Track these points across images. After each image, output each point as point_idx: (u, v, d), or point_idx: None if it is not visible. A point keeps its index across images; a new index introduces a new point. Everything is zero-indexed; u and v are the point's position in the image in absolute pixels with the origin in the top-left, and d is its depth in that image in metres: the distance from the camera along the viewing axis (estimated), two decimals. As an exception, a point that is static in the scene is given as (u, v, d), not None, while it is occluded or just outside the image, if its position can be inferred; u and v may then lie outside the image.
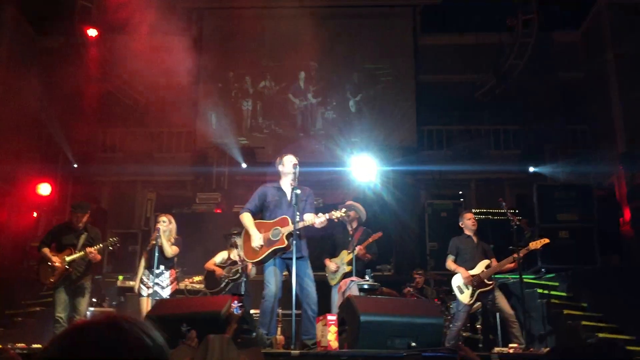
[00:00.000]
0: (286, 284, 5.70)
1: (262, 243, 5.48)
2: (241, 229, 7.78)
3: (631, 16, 12.80)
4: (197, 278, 8.16)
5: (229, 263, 7.62)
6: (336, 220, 5.71)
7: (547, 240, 6.78)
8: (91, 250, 6.64)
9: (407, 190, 13.49)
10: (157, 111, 13.73)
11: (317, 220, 5.48)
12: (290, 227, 5.44)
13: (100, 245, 6.77)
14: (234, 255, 7.65)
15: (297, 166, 5.73)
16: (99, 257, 6.81)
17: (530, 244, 6.79)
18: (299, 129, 14.22)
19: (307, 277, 5.58)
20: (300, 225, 5.48)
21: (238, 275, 7.39)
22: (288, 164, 5.76)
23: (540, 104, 12.99)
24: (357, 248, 7.08)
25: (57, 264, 6.67)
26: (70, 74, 12.67)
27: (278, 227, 5.50)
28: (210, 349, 2.30)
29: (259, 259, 5.52)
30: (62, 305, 6.72)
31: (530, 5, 13.18)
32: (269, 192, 5.79)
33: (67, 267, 6.66)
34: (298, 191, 5.52)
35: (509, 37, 13.75)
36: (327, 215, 5.53)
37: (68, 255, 6.70)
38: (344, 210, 5.61)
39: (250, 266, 7.45)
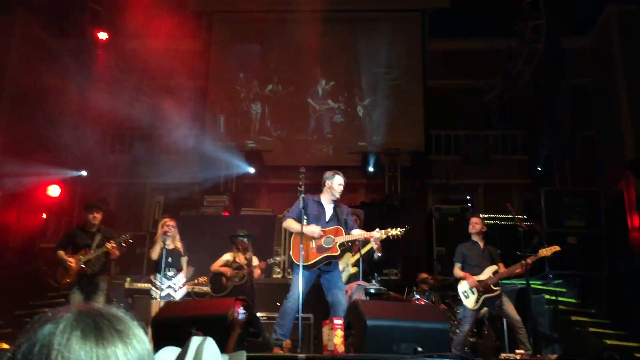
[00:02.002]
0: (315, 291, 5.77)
1: (321, 234, 5.58)
2: (247, 232, 7.87)
3: (640, 22, 12.76)
4: (202, 279, 8.18)
5: (235, 266, 7.64)
6: (392, 238, 5.82)
7: (557, 248, 6.77)
8: (110, 245, 6.66)
9: (414, 194, 13.51)
10: (166, 113, 13.78)
11: (375, 234, 5.65)
12: (343, 237, 5.61)
13: (116, 241, 6.80)
14: (240, 259, 7.67)
15: (343, 188, 5.91)
16: (117, 252, 6.84)
17: (541, 251, 6.77)
18: (311, 132, 14.25)
19: (342, 288, 5.75)
20: (353, 237, 5.69)
21: (245, 280, 7.43)
22: (336, 185, 5.87)
23: (549, 110, 12.93)
24: (373, 242, 7.03)
25: (72, 265, 6.74)
26: (80, 77, 12.76)
27: (331, 236, 5.60)
28: (189, 349, 2.30)
29: (311, 262, 5.59)
30: None
31: (539, 10, 13.15)
32: (310, 204, 5.85)
33: (82, 266, 6.72)
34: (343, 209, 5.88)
35: (518, 43, 13.72)
36: (382, 232, 5.68)
37: (83, 255, 6.77)
38: (399, 229, 5.68)
39: (258, 271, 7.48)
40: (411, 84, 14.34)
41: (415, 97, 14.27)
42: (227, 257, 7.77)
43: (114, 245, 6.68)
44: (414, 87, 14.34)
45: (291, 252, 5.77)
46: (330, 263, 5.68)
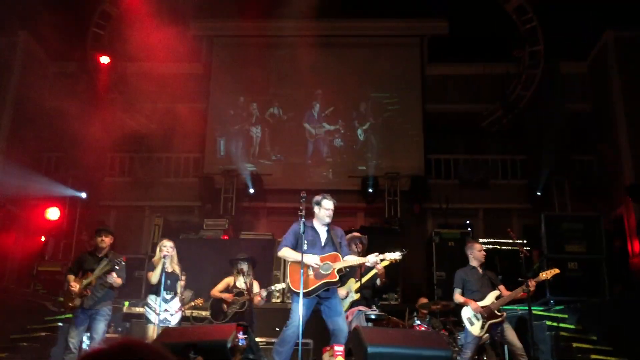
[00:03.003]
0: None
1: (319, 263, 5.53)
2: (248, 256, 7.82)
3: (638, 47, 12.89)
4: (198, 300, 8.09)
5: (235, 292, 7.57)
6: (389, 262, 5.79)
7: (557, 271, 6.74)
8: (111, 276, 6.63)
9: (414, 219, 13.49)
10: (166, 136, 13.84)
11: (371, 259, 5.61)
12: (341, 263, 5.57)
13: (117, 267, 6.74)
14: (240, 282, 7.60)
15: (332, 212, 5.87)
16: (119, 280, 6.79)
17: (541, 274, 6.74)
18: (309, 156, 14.28)
19: (342, 314, 5.70)
20: (350, 263, 5.65)
21: (245, 306, 7.36)
22: (325, 210, 5.84)
23: (547, 135, 13.01)
24: (378, 267, 7.00)
25: (74, 288, 6.72)
26: (81, 100, 12.82)
27: (329, 262, 5.57)
28: None
29: (309, 290, 5.54)
30: (75, 331, 6.74)
31: (537, 36, 13.30)
32: (305, 231, 5.80)
33: (83, 289, 6.70)
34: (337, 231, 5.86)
35: (516, 68, 13.85)
36: (381, 256, 5.63)
37: (85, 279, 6.75)
38: (398, 253, 5.65)
39: (258, 297, 7.42)
40: (410, 108, 14.42)
41: (415, 121, 14.34)
42: (228, 281, 7.71)
43: (106, 269, 6.63)
44: (414, 111, 14.41)
45: (289, 280, 5.73)
46: (329, 289, 5.63)
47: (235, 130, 14.48)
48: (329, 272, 5.53)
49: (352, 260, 5.69)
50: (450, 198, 12.98)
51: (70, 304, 6.75)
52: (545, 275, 6.72)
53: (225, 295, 7.50)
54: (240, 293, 7.49)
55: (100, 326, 6.80)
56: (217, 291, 7.62)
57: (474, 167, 13.97)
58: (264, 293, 7.46)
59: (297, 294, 5.54)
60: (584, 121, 13.86)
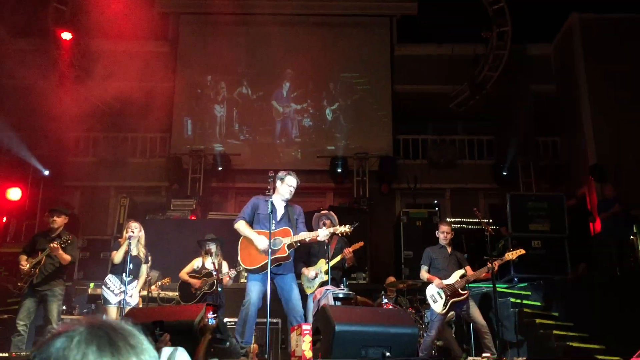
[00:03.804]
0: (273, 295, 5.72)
1: (266, 247, 5.48)
2: (216, 236, 7.77)
3: (602, 30, 13.09)
4: (165, 280, 8.04)
5: (203, 273, 7.52)
6: (340, 235, 5.80)
7: (523, 251, 6.88)
8: (54, 246, 6.49)
9: (383, 199, 13.57)
10: (132, 115, 13.57)
11: (321, 233, 5.63)
12: (291, 238, 5.56)
13: (60, 243, 6.61)
14: (209, 263, 7.55)
15: (294, 190, 5.84)
16: (66, 257, 6.66)
17: (507, 254, 6.87)
18: (277, 136, 14.19)
19: (293, 291, 5.67)
20: (300, 238, 5.60)
21: (214, 287, 7.32)
22: (287, 186, 5.82)
23: (514, 115, 13.18)
24: (346, 251, 7.07)
25: (23, 268, 6.59)
26: (43, 77, 12.47)
27: (279, 237, 5.54)
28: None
29: (258, 266, 5.51)
30: (24, 313, 6.61)
31: (505, 17, 13.39)
32: (261, 205, 5.80)
33: (31, 269, 6.57)
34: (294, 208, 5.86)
35: (484, 49, 13.94)
36: (331, 229, 5.69)
37: (34, 259, 6.63)
38: (348, 226, 5.66)
39: (227, 278, 7.38)
40: (379, 88, 14.42)
41: (384, 101, 14.35)
42: (196, 262, 7.65)
43: (55, 246, 6.49)
44: (382, 91, 14.41)
45: (239, 256, 5.73)
46: (280, 265, 5.63)
47: (203, 109, 14.29)
48: (279, 247, 5.53)
49: (302, 235, 5.68)
50: (418, 178, 13.08)
51: (19, 284, 6.62)
52: (511, 255, 6.86)
53: (193, 281, 7.45)
54: (208, 274, 7.45)
55: (54, 307, 6.69)
56: (185, 274, 7.55)
57: (442, 147, 14.10)
58: (232, 273, 7.43)
59: (249, 271, 5.61)
60: (549, 102, 14.07)
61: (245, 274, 9.80)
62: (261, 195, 5.89)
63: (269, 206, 5.59)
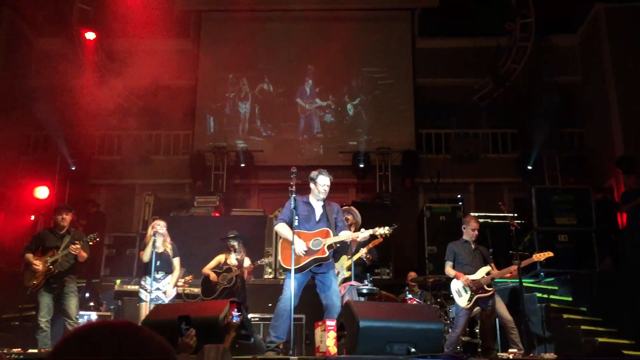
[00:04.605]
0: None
1: (306, 249, 5.52)
2: (238, 233, 7.84)
3: (628, 20, 12.82)
4: (188, 277, 8.16)
5: (224, 269, 7.59)
6: (380, 237, 5.79)
7: (550, 254, 6.80)
8: (75, 247, 6.62)
9: (405, 193, 13.50)
10: (155, 114, 13.70)
11: (360, 235, 5.68)
12: (331, 239, 5.59)
13: (82, 242, 6.75)
14: (231, 260, 7.63)
15: (328, 188, 5.85)
16: (84, 254, 6.80)
17: (535, 255, 6.80)
18: (300, 132, 14.19)
19: (332, 287, 5.68)
20: (340, 239, 5.64)
21: (233, 282, 7.39)
22: (321, 185, 5.82)
23: (538, 108, 12.98)
24: (362, 250, 7.07)
25: (38, 267, 6.69)
26: (68, 77, 12.64)
27: (319, 238, 5.59)
28: (205, 358, 2.28)
29: (299, 266, 5.55)
30: (45, 309, 6.72)
31: (528, 9, 13.19)
32: (299, 205, 5.80)
33: (49, 267, 6.67)
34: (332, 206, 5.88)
35: (507, 41, 13.76)
36: (370, 231, 5.70)
37: (50, 257, 6.73)
38: (387, 228, 5.67)
39: (246, 273, 7.45)
40: (401, 82, 14.32)
41: (406, 95, 14.26)
42: (219, 258, 7.76)
43: (78, 246, 6.63)
44: (404, 85, 14.31)
45: (280, 257, 5.77)
46: (321, 265, 5.64)
47: (225, 107, 14.35)
48: (319, 248, 5.55)
49: (342, 235, 5.69)
50: (441, 172, 12.98)
51: (34, 282, 6.72)
52: (538, 257, 6.79)
53: (212, 276, 7.56)
54: (228, 269, 7.53)
55: (72, 302, 6.82)
56: (208, 268, 7.66)
57: (465, 141, 13.95)
58: (252, 267, 7.49)
59: (288, 270, 5.57)
60: (575, 93, 13.83)
61: (270, 271, 9.93)
62: (299, 195, 5.86)
63: (292, 202, 5.59)
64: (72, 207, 7.43)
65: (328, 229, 5.66)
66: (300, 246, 5.51)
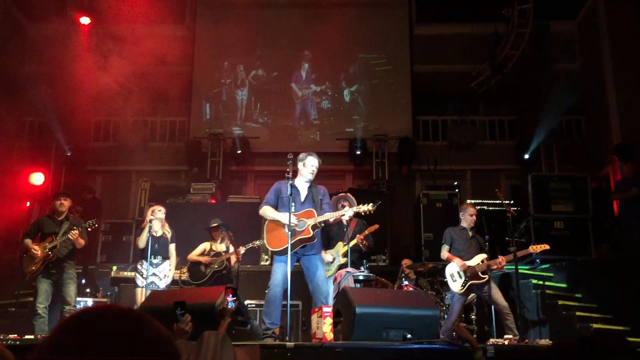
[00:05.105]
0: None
1: (297, 222, 5.53)
2: (221, 221, 7.83)
3: (627, 6, 12.75)
4: (184, 268, 8.16)
5: (212, 254, 7.62)
6: (363, 213, 5.84)
7: (547, 247, 6.81)
8: (73, 232, 6.62)
9: (402, 180, 13.49)
10: (151, 100, 13.62)
11: (346, 214, 5.70)
12: (315, 219, 5.61)
13: (81, 228, 6.77)
14: (217, 247, 7.64)
15: (316, 169, 5.87)
16: (81, 240, 6.82)
17: (531, 247, 6.84)
18: (297, 119, 14.14)
19: (318, 271, 5.69)
20: (324, 218, 5.65)
21: (224, 266, 7.42)
22: (309, 167, 5.85)
23: (536, 94, 12.95)
24: (357, 237, 7.11)
25: (37, 252, 6.70)
26: (63, 62, 12.54)
27: (303, 219, 5.59)
28: (204, 345, 2.26)
29: (283, 247, 5.55)
30: (43, 295, 6.74)
31: (527, -6, 13.11)
32: (283, 189, 5.82)
33: (48, 253, 6.68)
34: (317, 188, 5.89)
35: (505, 27, 13.68)
36: (354, 209, 5.75)
37: (49, 243, 6.73)
38: (371, 205, 5.69)
39: (233, 258, 7.46)
40: (398, 69, 14.25)
41: (403, 82, 14.20)
42: (204, 246, 7.76)
43: (76, 232, 6.63)
44: (401, 72, 14.25)
45: (265, 240, 5.78)
46: (305, 246, 5.65)
47: (221, 93, 14.28)
48: (304, 228, 5.56)
49: (327, 215, 5.70)
50: (438, 159, 12.97)
51: (32, 268, 6.74)
52: (534, 249, 6.82)
53: (202, 258, 7.56)
54: (217, 254, 7.56)
55: (71, 289, 6.85)
56: (194, 255, 7.66)
57: (462, 128, 13.92)
58: (241, 251, 7.48)
59: (275, 252, 5.64)
60: (573, 80, 13.79)
61: (266, 256, 9.93)
62: (283, 180, 5.87)
63: (289, 189, 5.58)
64: (70, 194, 7.42)
65: (313, 210, 5.67)
66: (291, 219, 5.49)
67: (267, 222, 5.85)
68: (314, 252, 5.77)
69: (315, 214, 5.64)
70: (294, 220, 5.53)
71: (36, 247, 6.76)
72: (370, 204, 5.74)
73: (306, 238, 5.60)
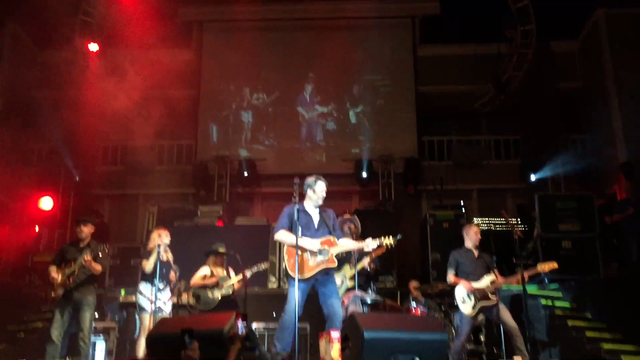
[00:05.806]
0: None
1: (320, 247, 5.58)
2: (225, 248, 7.74)
3: (628, 25, 12.86)
4: (189, 292, 8.08)
5: (219, 278, 7.57)
6: (387, 247, 5.86)
7: (555, 266, 6.75)
8: (86, 258, 6.64)
9: (408, 201, 13.50)
10: (158, 124, 13.73)
11: (369, 245, 5.66)
12: (339, 248, 5.63)
13: (93, 254, 6.77)
14: (219, 272, 7.58)
15: (325, 193, 5.87)
16: (97, 266, 6.82)
17: (539, 266, 6.76)
18: (303, 141, 14.22)
19: (334, 295, 5.68)
20: (347, 248, 5.73)
21: (231, 291, 7.38)
22: (319, 192, 5.85)
23: (540, 114, 13.00)
24: (366, 260, 7.07)
25: (55, 280, 6.73)
26: (71, 88, 12.71)
27: (326, 246, 5.60)
28: None
29: (309, 275, 5.56)
30: (58, 322, 6.75)
31: (529, 15, 13.23)
32: (296, 214, 5.76)
33: (66, 279, 6.71)
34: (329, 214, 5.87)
35: (508, 48, 13.79)
36: (377, 242, 5.68)
37: (68, 269, 6.77)
38: (392, 238, 5.71)
39: (238, 284, 7.41)
40: (403, 90, 14.35)
41: (407, 103, 14.28)
42: (205, 271, 7.63)
43: (89, 258, 6.65)
44: (406, 93, 14.34)
45: (286, 264, 5.72)
46: (328, 273, 5.66)
47: (227, 116, 14.40)
48: (327, 257, 5.56)
49: (349, 244, 5.73)
50: (444, 179, 12.99)
51: (52, 295, 6.77)
52: (543, 268, 6.76)
53: (210, 281, 7.47)
54: (224, 279, 7.50)
55: (87, 315, 6.83)
56: (199, 279, 7.54)
57: (467, 148, 13.97)
58: (248, 274, 7.44)
59: (294, 278, 5.56)
60: (576, 99, 13.84)
61: (273, 280, 9.92)
62: (292, 204, 5.84)
63: (296, 214, 5.58)
64: (91, 218, 7.43)
65: (332, 237, 5.68)
66: (314, 244, 5.54)
67: (286, 247, 5.77)
68: (332, 276, 5.78)
69: (336, 242, 5.67)
70: (318, 246, 5.56)
71: (55, 274, 6.80)
72: (392, 238, 5.75)
73: (331, 267, 5.64)
